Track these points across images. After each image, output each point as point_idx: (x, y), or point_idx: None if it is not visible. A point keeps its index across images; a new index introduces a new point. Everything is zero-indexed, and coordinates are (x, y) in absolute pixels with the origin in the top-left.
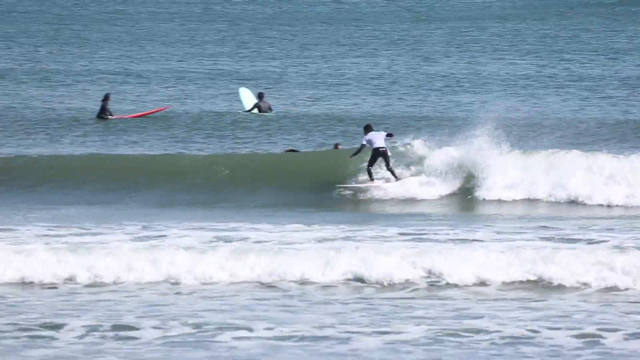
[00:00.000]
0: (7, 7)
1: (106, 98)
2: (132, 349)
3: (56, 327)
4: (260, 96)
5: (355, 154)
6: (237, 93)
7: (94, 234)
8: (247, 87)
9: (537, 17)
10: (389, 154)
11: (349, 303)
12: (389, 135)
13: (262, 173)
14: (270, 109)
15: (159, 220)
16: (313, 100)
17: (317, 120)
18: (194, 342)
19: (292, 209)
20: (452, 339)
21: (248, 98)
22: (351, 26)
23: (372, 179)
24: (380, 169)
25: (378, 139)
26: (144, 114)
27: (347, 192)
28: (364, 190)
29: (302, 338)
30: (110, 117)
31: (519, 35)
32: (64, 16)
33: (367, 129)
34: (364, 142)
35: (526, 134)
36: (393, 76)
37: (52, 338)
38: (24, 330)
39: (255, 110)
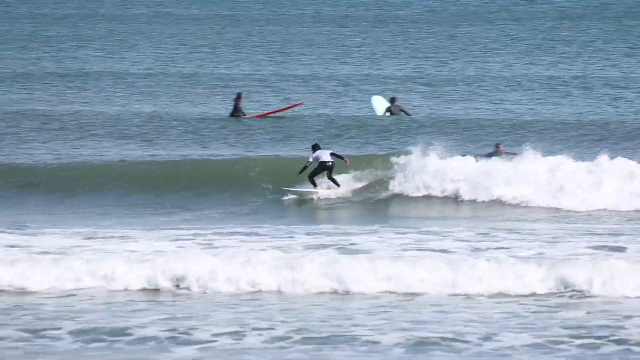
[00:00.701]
0: (153, 10)
1: (239, 97)
2: (277, 349)
3: (193, 329)
4: (392, 100)
5: (301, 171)
6: (370, 102)
7: (227, 235)
8: (387, 88)
9: None
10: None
11: (493, 307)
12: (333, 154)
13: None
14: (405, 112)
15: (288, 223)
16: (455, 103)
17: (453, 124)
18: (333, 339)
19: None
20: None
21: (380, 104)
22: (501, 25)
23: (315, 186)
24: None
25: (325, 154)
26: (277, 111)
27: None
28: (310, 195)
29: (442, 339)
30: (243, 115)
31: None
32: (217, 19)
33: (315, 148)
34: (310, 160)
35: None
36: (541, 78)
37: (192, 335)
38: (169, 329)
39: (387, 114)
